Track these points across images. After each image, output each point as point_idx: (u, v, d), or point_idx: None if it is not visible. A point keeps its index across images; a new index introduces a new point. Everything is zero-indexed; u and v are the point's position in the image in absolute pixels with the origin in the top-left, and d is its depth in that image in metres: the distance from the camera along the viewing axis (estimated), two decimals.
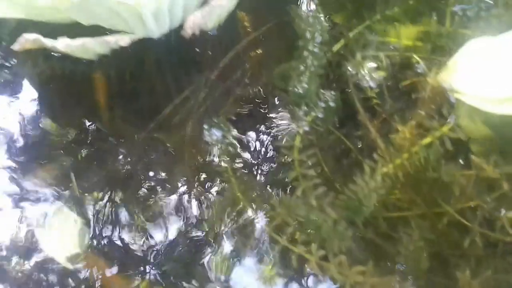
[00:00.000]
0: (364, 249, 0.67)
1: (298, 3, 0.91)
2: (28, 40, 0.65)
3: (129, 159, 0.85)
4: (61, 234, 0.67)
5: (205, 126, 0.68)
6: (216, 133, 0.67)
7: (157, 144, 0.90)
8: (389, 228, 0.69)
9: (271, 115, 0.78)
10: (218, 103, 0.89)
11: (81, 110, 0.90)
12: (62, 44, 0.64)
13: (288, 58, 0.82)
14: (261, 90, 0.85)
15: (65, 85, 0.90)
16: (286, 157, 0.68)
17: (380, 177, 0.65)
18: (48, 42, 0.65)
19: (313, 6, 0.87)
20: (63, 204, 0.73)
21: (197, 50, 0.89)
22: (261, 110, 0.82)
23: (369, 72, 0.73)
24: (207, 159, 0.74)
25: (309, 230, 0.64)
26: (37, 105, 0.91)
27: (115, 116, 0.88)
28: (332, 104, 0.69)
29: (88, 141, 0.88)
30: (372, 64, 0.74)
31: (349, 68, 0.74)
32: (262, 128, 0.77)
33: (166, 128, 0.88)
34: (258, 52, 0.90)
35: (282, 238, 0.63)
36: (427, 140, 0.67)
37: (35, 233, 0.69)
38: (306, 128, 0.68)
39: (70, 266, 0.66)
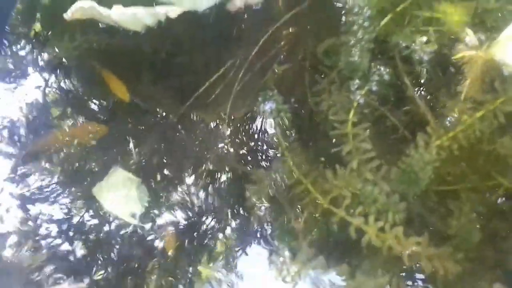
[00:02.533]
0: (418, 222, 0.68)
1: None
2: (82, 8, 0.64)
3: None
4: (121, 193, 0.69)
5: (259, 99, 0.67)
6: (270, 105, 0.67)
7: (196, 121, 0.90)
8: (441, 202, 0.69)
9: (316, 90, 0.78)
10: (257, 79, 0.88)
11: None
12: (117, 13, 0.63)
13: (330, 34, 0.82)
14: (303, 66, 0.85)
15: (102, 59, 0.89)
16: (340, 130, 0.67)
17: (435, 150, 0.66)
18: (103, 11, 0.63)
19: None
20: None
21: (238, 25, 0.88)
22: (305, 86, 0.82)
23: (419, 45, 0.72)
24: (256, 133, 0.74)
25: (365, 203, 0.64)
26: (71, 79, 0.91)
27: (154, 91, 0.88)
28: (386, 77, 0.68)
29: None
30: (422, 38, 0.73)
31: (399, 42, 0.73)
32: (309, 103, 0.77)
33: (205, 105, 0.88)
34: (298, 29, 0.90)
35: (339, 210, 0.63)
36: (480, 113, 0.67)
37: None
38: (361, 101, 0.67)
39: (134, 221, 0.68)
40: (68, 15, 0.67)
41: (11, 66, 0.95)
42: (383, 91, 0.69)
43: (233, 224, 0.80)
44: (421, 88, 0.74)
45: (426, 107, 0.72)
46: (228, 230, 0.80)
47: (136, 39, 0.85)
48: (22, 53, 0.96)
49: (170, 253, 0.76)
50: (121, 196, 0.69)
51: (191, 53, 0.87)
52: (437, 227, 0.69)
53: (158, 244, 0.77)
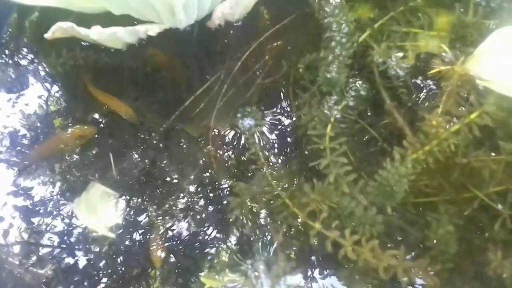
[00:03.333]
0: (394, 234, 0.69)
1: None
2: (61, 28, 0.66)
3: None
4: (98, 208, 0.70)
5: (238, 115, 0.68)
6: (248, 122, 0.68)
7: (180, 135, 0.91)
8: (418, 214, 0.70)
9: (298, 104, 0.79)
10: (241, 93, 0.90)
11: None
12: (95, 32, 0.64)
13: (311, 49, 0.83)
14: (286, 80, 0.87)
15: (88, 75, 0.91)
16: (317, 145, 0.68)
17: (410, 163, 0.67)
18: (82, 31, 0.65)
19: None
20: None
21: (221, 41, 0.90)
22: (288, 100, 0.83)
23: (396, 61, 0.74)
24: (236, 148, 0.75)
25: (342, 216, 0.65)
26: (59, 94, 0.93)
27: (139, 106, 0.89)
28: (362, 92, 0.70)
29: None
30: (399, 54, 0.75)
31: (376, 57, 0.75)
32: (292, 117, 0.78)
33: (189, 119, 0.89)
34: (281, 44, 0.91)
35: (316, 224, 0.64)
36: (455, 127, 0.68)
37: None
38: (338, 116, 0.68)
39: (111, 235, 0.69)
40: (49, 34, 0.68)
41: (12, 76, 0.97)
42: (360, 106, 0.70)
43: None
44: (400, 102, 0.75)
45: (404, 121, 0.73)
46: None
47: (119, 55, 0.87)
48: (22, 62, 0.98)
49: (158, 266, 0.77)
50: (98, 210, 0.70)
51: (174, 68, 0.89)
52: (415, 239, 0.69)
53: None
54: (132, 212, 0.74)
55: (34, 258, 0.74)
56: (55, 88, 0.94)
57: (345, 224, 0.65)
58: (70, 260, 0.72)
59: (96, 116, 0.91)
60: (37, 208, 0.78)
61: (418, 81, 0.76)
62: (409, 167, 0.66)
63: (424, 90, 0.76)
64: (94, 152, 0.85)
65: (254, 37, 0.89)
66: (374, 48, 0.77)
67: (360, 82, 0.72)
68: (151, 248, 0.76)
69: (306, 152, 0.74)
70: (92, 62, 0.87)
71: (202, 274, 0.74)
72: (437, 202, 0.71)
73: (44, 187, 0.80)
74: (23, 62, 0.97)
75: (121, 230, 0.71)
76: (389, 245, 0.67)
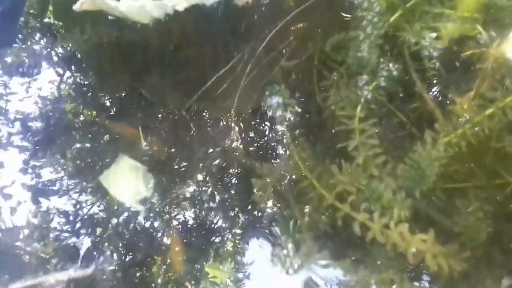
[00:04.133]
0: (423, 220, 0.67)
1: None
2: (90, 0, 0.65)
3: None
4: (127, 180, 0.70)
5: (266, 93, 0.67)
6: (277, 100, 0.66)
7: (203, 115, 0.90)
8: (448, 199, 0.69)
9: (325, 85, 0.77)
10: (265, 73, 0.88)
11: (126, 77, 0.91)
12: (125, 5, 0.63)
13: (338, 29, 0.81)
14: (311, 61, 0.85)
15: (111, 52, 0.90)
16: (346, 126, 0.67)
17: (442, 147, 0.65)
18: (111, 3, 0.64)
19: None
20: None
21: (246, 19, 0.88)
22: (313, 80, 0.81)
23: (428, 42, 0.72)
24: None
25: (370, 199, 0.64)
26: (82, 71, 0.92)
27: (162, 84, 0.89)
28: (394, 73, 0.68)
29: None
30: (432, 34, 0.72)
31: (407, 38, 0.73)
32: (317, 98, 0.76)
33: (212, 99, 0.88)
34: (307, 23, 0.89)
35: (344, 206, 0.63)
36: (489, 110, 0.66)
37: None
38: (368, 97, 0.67)
39: (140, 207, 0.69)
40: (77, 6, 0.67)
41: (25, 60, 0.96)
42: (391, 87, 0.69)
43: (240, 219, 0.80)
44: (430, 85, 0.73)
45: (435, 104, 0.71)
46: (235, 226, 0.80)
47: (145, 32, 0.86)
48: (36, 47, 0.97)
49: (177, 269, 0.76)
50: (127, 183, 0.70)
51: (198, 46, 0.88)
52: (444, 225, 0.68)
53: (165, 240, 0.78)
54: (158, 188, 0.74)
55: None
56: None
57: (373, 207, 0.64)
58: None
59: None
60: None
61: (452, 63, 0.74)
62: (441, 150, 0.65)
63: (457, 73, 0.73)
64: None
65: (280, 16, 0.87)
66: (406, 29, 0.74)
67: (392, 62, 0.69)
68: (173, 251, 0.76)
69: (333, 133, 0.72)
70: (116, 38, 0.87)
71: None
72: (468, 188, 0.70)
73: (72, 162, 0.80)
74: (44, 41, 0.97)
75: (149, 204, 0.71)
76: (417, 231, 0.66)
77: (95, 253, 0.77)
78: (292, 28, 0.88)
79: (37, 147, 0.87)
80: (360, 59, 0.70)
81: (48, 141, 0.87)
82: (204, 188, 0.86)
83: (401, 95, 0.73)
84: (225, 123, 0.88)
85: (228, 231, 0.80)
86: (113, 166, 0.72)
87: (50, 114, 0.91)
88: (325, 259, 0.57)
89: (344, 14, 0.83)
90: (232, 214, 0.81)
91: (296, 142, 0.67)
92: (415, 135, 0.71)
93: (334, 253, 0.61)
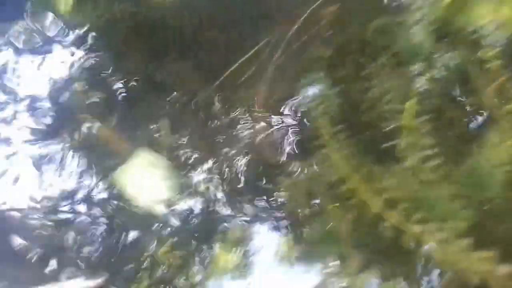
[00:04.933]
0: (483, 233, 0.58)
1: None
2: None
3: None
4: (147, 178, 0.61)
5: (303, 82, 0.58)
6: (315, 90, 0.57)
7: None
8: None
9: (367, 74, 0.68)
10: (296, 59, 0.79)
11: (140, 57, 0.82)
12: None
13: (382, 11, 0.72)
14: (349, 47, 0.75)
15: (125, 31, 0.81)
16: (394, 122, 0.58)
17: (507, 150, 0.56)
18: None
19: None
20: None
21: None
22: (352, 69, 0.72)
23: (491, 29, 0.62)
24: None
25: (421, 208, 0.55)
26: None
27: (180, 68, 0.80)
28: (452, 63, 0.58)
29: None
30: (495, 19, 0.63)
31: (467, 23, 0.63)
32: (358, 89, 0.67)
33: (236, 85, 0.79)
34: (343, 5, 0.80)
35: (393, 216, 0.54)
36: None
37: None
38: (421, 89, 0.57)
39: (162, 209, 0.60)
40: None
41: (37, 40, 0.89)
42: (448, 79, 0.59)
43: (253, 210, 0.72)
44: (493, 77, 0.63)
45: (497, 100, 0.62)
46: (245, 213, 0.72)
47: (161, 10, 0.77)
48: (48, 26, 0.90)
49: None
50: (146, 181, 0.60)
51: (222, 28, 0.79)
52: (507, 239, 0.59)
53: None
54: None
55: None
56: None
57: (426, 218, 0.55)
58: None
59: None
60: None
61: None
62: (505, 154, 0.55)
63: None
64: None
65: None
66: (465, 13, 0.65)
67: (448, 51, 0.60)
68: None
69: (377, 130, 0.63)
70: (130, 15, 0.78)
71: None
72: None
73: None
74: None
75: (172, 208, 0.62)
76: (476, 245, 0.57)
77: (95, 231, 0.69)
78: (328, 9, 0.78)
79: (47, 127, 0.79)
80: (412, 46, 0.61)
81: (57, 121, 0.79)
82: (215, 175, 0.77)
83: (456, 88, 0.63)
84: (249, 113, 0.79)
85: (237, 217, 0.73)
86: (129, 162, 0.62)
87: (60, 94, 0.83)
88: (375, 278, 0.48)
89: None
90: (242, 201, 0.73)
91: (335, 138, 0.58)
92: (475, 134, 0.61)
93: (382, 270, 0.52)
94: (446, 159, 0.59)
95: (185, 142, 0.72)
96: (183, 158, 0.69)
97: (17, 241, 0.69)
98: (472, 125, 0.62)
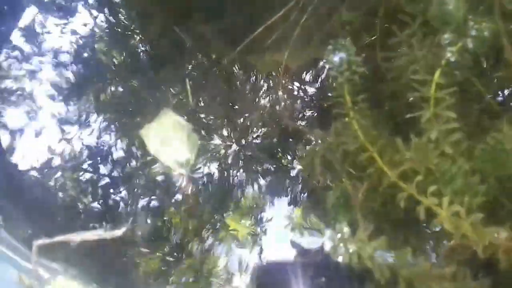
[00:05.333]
0: (498, 209, 0.58)
1: None
2: None
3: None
4: (170, 138, 0.63)
5: (329, 48, 0.57)
6: (341, 56, 0.56)
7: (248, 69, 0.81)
8: None
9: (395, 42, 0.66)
10: (321, 25, 0.78)
11: (165, 18, 0.82)
12: None
13: None
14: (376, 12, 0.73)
15: None
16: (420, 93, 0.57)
17: None
18: None
19: None
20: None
21: None
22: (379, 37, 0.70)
23: None
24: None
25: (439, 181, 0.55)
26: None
27: (205, 30, 0.79)
28: (486, 33, 0.56)
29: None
30: None
31: None
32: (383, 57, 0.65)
33: (260, 51, 0.79)
34: None
35: (410, 187, 0.54)
36: None
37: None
38: (451, 60, 0.56)
39: (181, 170, 0.63)
40: None
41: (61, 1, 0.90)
42: (480, 51, 0.57)
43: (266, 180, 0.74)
44: None
45: None
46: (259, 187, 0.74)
47: None
48: None
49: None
50: (169, 141, 0.63)
51: None
52: None
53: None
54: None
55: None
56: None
57: (443, 191, 0.55)
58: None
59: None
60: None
61: None
62: None
63: None
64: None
65: None
66: None
67: (482, 21, 0.57)
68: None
69: (399, 100, 0.62)
70: None
71: None
72: None
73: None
74: None
75: (193, 168, 0.65)
76: (488, 220, 0.57)
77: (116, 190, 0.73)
78: None
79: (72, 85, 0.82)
80: (444, 13, 0.58)
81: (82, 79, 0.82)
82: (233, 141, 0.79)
83: (489, 61, 0.61)
84: (271, 79, 0.79)
85: (250, 186, 0.75)
86: (155, 121, 0.65)
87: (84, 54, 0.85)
88: (384, 247, 0.50)
89: None
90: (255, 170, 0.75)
91: (356, 107, 0.57)
92: (499, 110, 0.60)
93: (392, 240, 0.53)
94: (468, 134, 0.59)
95: (206, 106, 0.74)
96: (203, 122, 0.71)
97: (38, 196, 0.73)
98: (498, 100, 0.60)
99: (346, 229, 0.49)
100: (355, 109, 0.58)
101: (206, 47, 0.81)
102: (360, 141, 0.57)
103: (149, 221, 0.74)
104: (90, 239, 0.58)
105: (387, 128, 0.60)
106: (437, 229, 0.57)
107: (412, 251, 0.52)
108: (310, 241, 0.65)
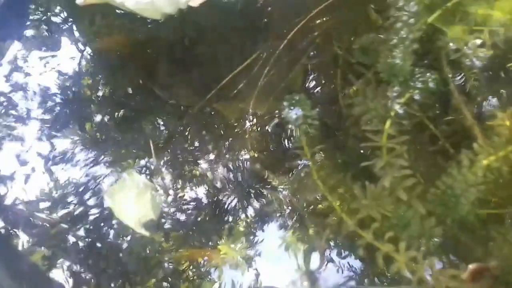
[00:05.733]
0: (453, 248, 0.61)
1: None
2: None
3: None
4: (134, 199, 0.64)
5: (284, 103, 0.60)
6: (296, 112, 0.60)
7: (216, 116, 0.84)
8: (482, 226, 0.62)
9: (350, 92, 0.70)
10: (284, 74, 0.82)
11: (137, 72, 0.85)
12: (132, 1, 0.57)
13: (366, 29, 0.74)
14: (335, 63, 0.77)
15: (121, 45, 0.84)
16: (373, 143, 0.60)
17: (481, 171, 0.58)
18: None
19: None
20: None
21: (266, 15, 0.80)
22: (336, 86, 0.74)
23: (472, 49, 0.63)
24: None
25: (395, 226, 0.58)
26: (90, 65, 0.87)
27: (174, 81, 0.83)
28: (431, 84, 0.60)
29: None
30: (476, 41, 0.64)
31: (447, 43, 0.65)
32: (343, 107, 0.69)
33: (227, 99, 0.82)
34: (331, 21, 0.81)
35: (367, 234, 0.56)
36: None
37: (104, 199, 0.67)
38: (400, 111, 0.59)
39: (145, 232, 0.64)
40: (80, 0, 0.61)
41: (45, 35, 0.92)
42: (426, 100, 0.61)
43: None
44: (470, 97, 0.65)
45: (473, 119, 0.64)
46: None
47: (156, 26, 0.80)
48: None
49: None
50: (133, 203, 0.65)
51: (214, 43, 0.81)
52: (476, 255, 0.61)
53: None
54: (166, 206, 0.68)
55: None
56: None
57: (399, 235, 0.57)
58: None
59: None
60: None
61: (494, 73, 0.66)
62: (479, 175, 0.58)
63: (501, 84, 0.65)
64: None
65: (302, 12, 0.80)
66: (444, 32, 0.66)
67: (427, 72, 0.62)
68: None
69: (357, 147, 0.65)
70: (127, 31, 0.81)
71: None
72: (504, 215, 0.62)
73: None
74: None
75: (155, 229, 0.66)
76: (445, 260, 0.60)
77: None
78: (317, 23, 0.80)
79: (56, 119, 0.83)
80: (392, 66, 0.63)
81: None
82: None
83: (436, 107, 0.65)
84: (239, 124, 0.82)
85: (240, 211, 0.76)
86: (119, 182, 0.66)
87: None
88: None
89: (375, 12, 0.76)
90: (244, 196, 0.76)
91: (315, 159, 0.60)
92: (450, 154, 0.63)
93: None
94: (422, 178, 0.62)
95: (174, 159, 0.76)
96: (170, 177, 0.73)
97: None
98: (449, 143, 0.64)
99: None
100: (313, 159, 0.61)
101: (176, 97, 0.84)
102: (320, 190, 0.60)
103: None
104: None
105: (346, 176, 0.63)
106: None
107: None
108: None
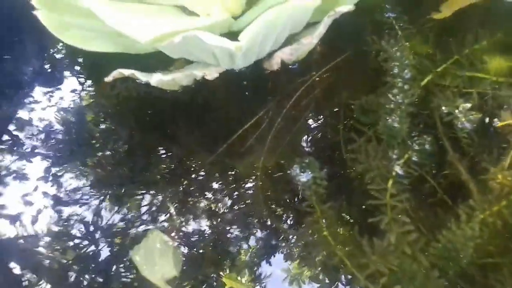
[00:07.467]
0: None
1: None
2: (122, 73, 0.66)
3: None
4: (156, 257, 0.70)
5: (295, 166, 0.66)
6: (307, 175, 0.66)
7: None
8: (482, 275, 0.66)
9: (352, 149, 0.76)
10: (290, 132, 0.88)
11: (154, 132, 0.92)
12: (155, 79, 0.64)
13: (367, 89, 0.80)
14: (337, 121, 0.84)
15: (140, 107, 0.92)
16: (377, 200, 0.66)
17: (477, 225, 0.63)
18: (143, 77, 0.65)
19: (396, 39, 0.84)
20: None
21: (272, 80, 0.88)
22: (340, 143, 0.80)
23: (463, 112, 0.70)
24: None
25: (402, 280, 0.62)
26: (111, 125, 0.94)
27: (189, 139, 0.89)
28: (428, 146, 0.66)
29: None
30: (466, 104, 0.71)
31: (440, 107, 0.71)
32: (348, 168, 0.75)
33: (238, 154, 0.88)
34: (333, 82, 0.89)
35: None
36: None
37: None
38: (400, 172, 0.65)
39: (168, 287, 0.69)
40: (109, 78, 0.68)
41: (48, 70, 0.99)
42: (424, 161, 0.67)
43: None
44: (463, 153, 0.71)
45: (468, 174, 0.69)
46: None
47: (173, 92, 0.87)
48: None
49: None
50: (157, 261, 0.70)
51: (225, 106, 0.88)
52: None
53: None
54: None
55: None
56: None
57: None
58: None
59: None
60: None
61: (486, 132, 0.72)
62: (476, 229, 0.63)
63: (492, 143, 0.71)
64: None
65: (306, 74, 0.87)
66: (436, 95, 0.73)
67: (425, 135, 0.68)
68: None
69: (362, 201, 0.71)
70: (144, 95, 0.88)
71: None
72: (502, 264, 0.67)
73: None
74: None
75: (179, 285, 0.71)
76: None
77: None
78: (320, 84, 0.87)
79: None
80: (390, 129, 0.69)
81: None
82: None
83: (433, 164, 0.71)
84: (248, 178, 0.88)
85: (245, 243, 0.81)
86: (144, 241, 0.72)
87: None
88: None
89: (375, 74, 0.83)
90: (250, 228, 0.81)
91: (324, 216, 0.66)
92: (449, 207, 0.69)
93: None
94: (424, 229, 0.67)
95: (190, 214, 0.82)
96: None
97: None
98: (446, 195, 0.69)
99: None
100: (322, 217, 0.66)
101: (189, 153, 0.90)
102: (331, 246, 0.65)
103: None
104: None
105: (353, 230, 0.68)
106: None
107: None
108: None
